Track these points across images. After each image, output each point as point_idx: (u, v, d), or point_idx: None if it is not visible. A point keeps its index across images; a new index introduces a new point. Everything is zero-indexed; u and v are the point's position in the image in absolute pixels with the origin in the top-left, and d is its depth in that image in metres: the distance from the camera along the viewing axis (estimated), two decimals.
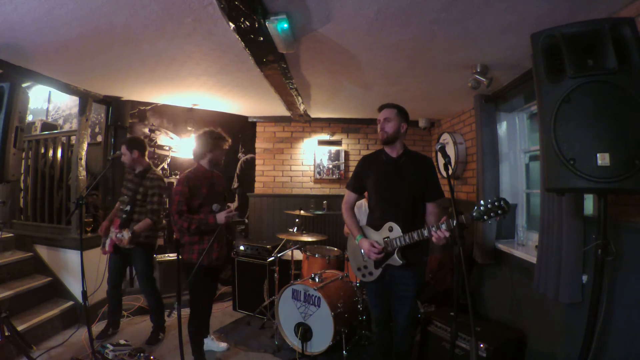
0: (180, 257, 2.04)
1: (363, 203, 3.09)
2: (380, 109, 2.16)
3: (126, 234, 2.62)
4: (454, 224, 1.71)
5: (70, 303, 3.15)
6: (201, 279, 2.45)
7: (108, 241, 2.85)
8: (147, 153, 3.01)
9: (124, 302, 3.47)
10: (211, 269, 2.56)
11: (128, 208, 2.80)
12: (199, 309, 2.57)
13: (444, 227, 1.80)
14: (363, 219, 2.40)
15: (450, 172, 1.70)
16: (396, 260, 2.01)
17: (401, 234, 1.99)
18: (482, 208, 1.69)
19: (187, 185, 2.43)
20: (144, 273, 2.94)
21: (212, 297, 2.86)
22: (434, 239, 1.85)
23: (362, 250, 2.12)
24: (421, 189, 2.08)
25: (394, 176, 2.10)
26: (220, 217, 2.41)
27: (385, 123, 2.09)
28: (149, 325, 3.10)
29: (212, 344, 2.84)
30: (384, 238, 2.05)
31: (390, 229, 2.04)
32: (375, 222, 2.13)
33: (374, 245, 2.04)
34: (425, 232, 1.88)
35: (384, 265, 2.07)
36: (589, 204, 2.07)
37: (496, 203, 1.67)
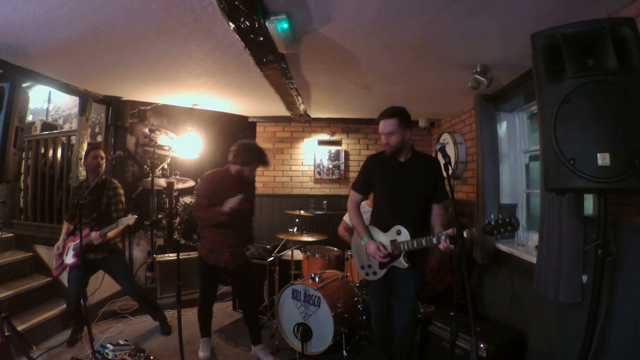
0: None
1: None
2: (380, 119, 2.05)
3: (96, 234, 2.58)
4: (465, 234, 1.76)
5: None
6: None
7: (72, 252, 2.68)
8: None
9: (123, 302, 3.53)
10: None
11: (95, 215, 2.75)
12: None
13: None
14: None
15: (450, 172, 1.70)
16: (402, 263, 2.03)
17: (409, 239, 2.00)
18: (492, 223, 1.71)
19: (206, 184, 2.50)
20: (126, 275, 2.95)
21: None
22: (441, 247, 1.86)
23: (368, 251, 2.12)
24: (430, 192, 2.08)
25: (404, 180, 2.09)
26: (226, 204, 2.34)
27: (389, 137, 2.01)
28: (149, 325, 3.09)
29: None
30: (391, 240, 2.06)
31: (399, 232, 2.05)
32: (383, 224, 2.13)
33: (380, 248, 2.05)
34: (434, 240, 1.89)
35: (389, 267, 2.08)
36: (589, 204, 2.07)
37: (506, 220, 1.68)
